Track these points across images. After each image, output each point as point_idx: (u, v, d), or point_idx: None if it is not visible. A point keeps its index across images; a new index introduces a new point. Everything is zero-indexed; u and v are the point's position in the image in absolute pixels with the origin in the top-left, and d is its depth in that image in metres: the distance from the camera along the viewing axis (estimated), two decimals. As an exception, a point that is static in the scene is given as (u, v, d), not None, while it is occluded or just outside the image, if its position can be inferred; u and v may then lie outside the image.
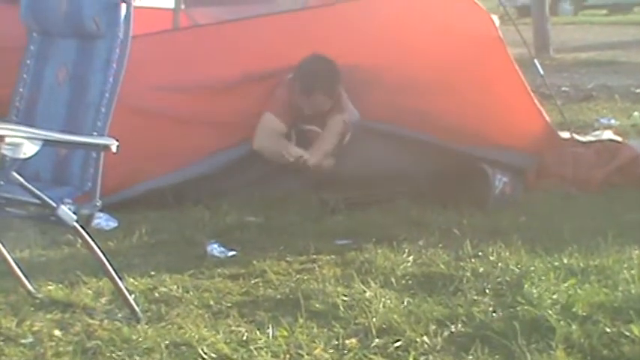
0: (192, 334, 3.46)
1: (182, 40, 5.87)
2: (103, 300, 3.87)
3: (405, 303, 3.77)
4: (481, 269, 4.15)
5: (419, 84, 5.80)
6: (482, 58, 5.97)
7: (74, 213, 3.47)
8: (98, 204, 3.64)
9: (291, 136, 5.66)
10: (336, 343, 3.42)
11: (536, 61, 6.79)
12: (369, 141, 5.67)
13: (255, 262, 4.36)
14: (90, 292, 3.95)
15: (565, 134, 6.42)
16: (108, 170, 3.64)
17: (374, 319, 3.57)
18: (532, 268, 4.10)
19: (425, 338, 3.42)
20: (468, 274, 4.10)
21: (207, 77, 5.59)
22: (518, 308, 3.64)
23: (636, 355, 3.21)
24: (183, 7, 6.52)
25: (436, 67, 5.83)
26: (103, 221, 4.96)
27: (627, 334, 3.36)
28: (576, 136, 6.49)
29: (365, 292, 3.88)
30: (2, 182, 3.29)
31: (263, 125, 5.57)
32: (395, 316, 3.59)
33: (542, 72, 6.70)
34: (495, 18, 6.18)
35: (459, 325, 3.54)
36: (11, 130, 3.28)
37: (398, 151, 5.66)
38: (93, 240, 3.56)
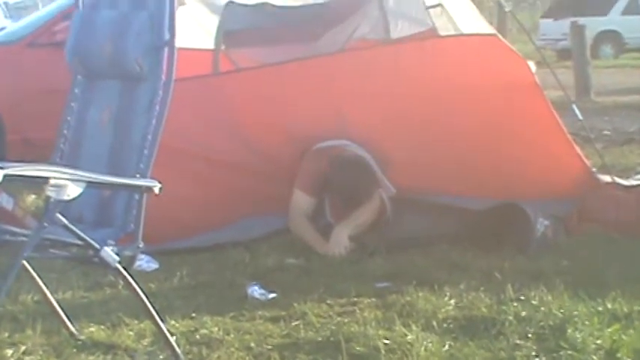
0: (234, 377, 3.47)
1: (222, 84, 5.90)
2: (145, 342, 3.89)
3: (447, 347, 3.76)
4: (523, 313, 4.13)
5: (454, 138, 5.82)
6: (518, 106, 5.99)
7: (117, 254, 3.48)
8: (140, 246, 3.66)
9: (324, 206, 5.61)
10: (378, 386, 3.42)
11: (574, 105, 6.78)
12: (408, 214, 5.62)
13: (295, 304, 4.36)
14: (132, 333, 3.97)
15: (606, 178, 6.40)
16: (148, 218, 3.67)
17: (415, 363, 3.57)
18: (575, 313, 4.07)
19: (467, 382, 3.41)
20: (510, 317, 4.08)
21: (245, 124, 5.63)
22: (561, 353, 3.63)
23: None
24: (223, 47, 6.55)
25: (471, 119, 5.85)
26: (145, 263, 4.98)
27: (673, 380, 3.34)
28: (618, 180, 6.46)
29: (406, 335, 3.87)
30: (46, 224, 3.31)
31: (293, 204, 5.53)
32: (437, 360, 3.59)
33: (580, 116, 6.68)
34: (532, 64, 6.20)
35: (502, 370, 3.53)
36: (55, 171, 3.31)
37: (438, 219, 5.61)
38: (135, 281, 3.58)
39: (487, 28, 6.60)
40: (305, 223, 5.51)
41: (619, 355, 3.58)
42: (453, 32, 6.30)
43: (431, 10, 6.41)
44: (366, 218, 5.48)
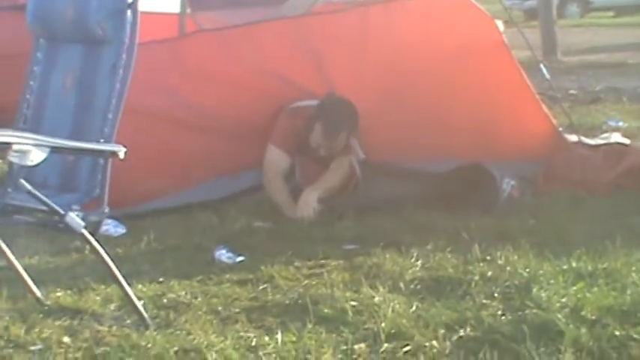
0: (201, 340, 3.46)
1: (187, 47, 5.87)
2: (112, 306, 3.88)
3: (414, 307, 3.77)
4: (489, 273, 4.15)
5: (423, 98, 5.82)
6: (486, 65, 5.99)
7: (82, 220, 3.47)
8: (106, 211, 3.65)
9: (295, 168, 5.55)
10: (345, 348, 3.42)
11: (542, 65, 6.79)
12: (377, 179, 5.58)
13: (263, 267, 4.36)
14: (98, 298, 3.97)
15: (573, 137, 6.43)
16: (113, 183, 3.65)
17: (382, 324, 3.58)
18: (540, 272, 4.10)
19: (434, 343, 3.42)
20: (477, 278, 4.10)
21: (210, 86, 5.60)
22: (526, 312, 3.65)
23: (645, 357, 3.22)
24: (189, 11, 6.51)
25: (440, 78, 5.86)
26: (112, 227, 4.96)
27: (636, 337, 3.36)
28: (584, 139, 6.49)
29: (373, 297, 3.88)
30: (10, 189, 3.30)
31: (268, 162, 5.51)
32: (403, 321, 3.60)
33: (548, 76, 6.70)
34: (500, 23, 6.20)
35: (468, 329, 3.54)
36: (18, 137, 3.29)
37: (405, 183, 5.59)
38: (101, 246, 3.57)
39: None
40: (280, 182, 5.49)
41: (583, 312, 3.59)
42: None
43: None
44: (336, 182, 5.47)
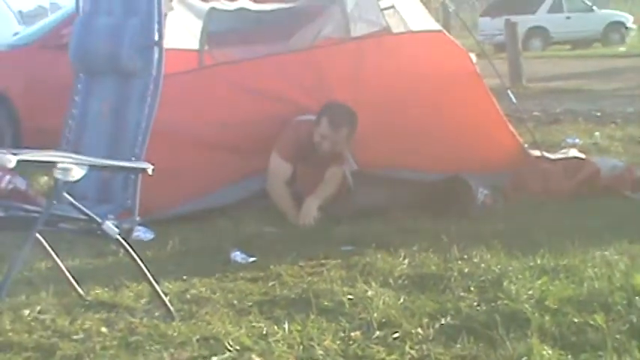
0: (219, 330, 3.46)
1: (205, 77, 5.88)
2: (143, 301, 3.87)
3: (402, 300, 3.77)
4: (466, 270, 4.15)
5: (407, 120, 5.82)
6: (462, 92, 6.01)
7: (117, 227, 3.48)
8: (137, 219, 3.66)
9: (295, 175, 5.50)
10: (343, 335, 3.42)
11: (509, 91, 6.79)
12: (366, 187, 5.55)
13: (272, 266, 4.35)
14: (131, 294, 3.96)
15: (536, 152, 6.42)
16: (146, 193, 3.66)
17: (375, 314, 3.57)
18: (510, 268, 4.09)
19: (419, 330, 3.42)
20: (455, 274, 4.09)
21: (225, 110, 5.61)
22: (498, 303, 3.64)
23: (600, 341, 3.21)
24: (207, 48, 6.52)
25: (422, 103, 5.87)
26: (142, 233, 4.94)
27: (592, 323, 3.36)
28: (546, 154, 6.48)
29: (367, 291, 3.87)
30: (55, 202, 3.30)
31: (272, 170, 5.47)
32: (393, 312, 3.59)
33: (514, 100, 6.70)
34: (473, 55, 6.21)
35: (448, 318, 3.54)
36: (62, 156, 3.30)
37: (392, 190, 5.54)
38: (133, 250, 3.58)
39: (434, 25, 6.60)
40: (283, 189, 5.45)
41: (547, 302, 3.59)
42: (404, 30, 6.28)
43: (385, 12, 6.39)
44: (332, 191, 5.44)
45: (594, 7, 28.34)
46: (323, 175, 5.43)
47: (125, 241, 3.54)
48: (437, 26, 6.64)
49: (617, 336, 3.24)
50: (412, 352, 3.25)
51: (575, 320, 3.40)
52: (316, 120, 5.48)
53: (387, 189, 5.53)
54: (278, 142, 5.51)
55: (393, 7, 6.32)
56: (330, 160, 5.49)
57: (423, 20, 6.49)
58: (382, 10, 6.36)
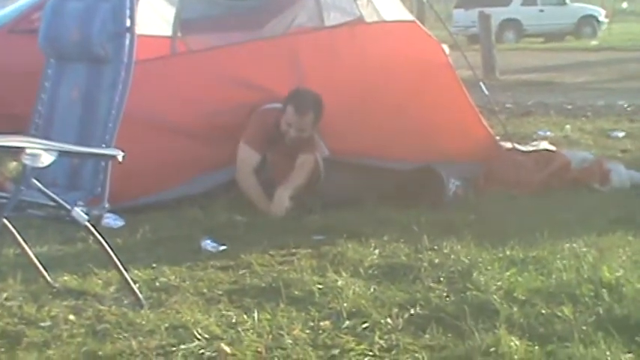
0: (188, 318, 3.44)
1: (178, 65, 5.86)
2: (112, 289, 3.86)
3: (372, 290, 3.77)
4: (436, 260, 4.16)
5: (379, 109, 5.82)
6: (434, 82, 6.01)
7: (86, 214, 3.47)
8: (106, 206, 3.64)
9: (264, 164, 5.48)
10: (312, 324, 3.42)
11: (481, 83, 6.82)
12: (338, 174, 5.56)
13: (242, 255, 4.34)
14: (100, 282, 3.94)
15: (508, 144, 6.45)
16: (114, 181, 3.64)
17: (345, 304, 3.57)
18: (480, 259, 4.11)
19: (388, 320, 3.42)
20: (426, 264, 4.10)
21: (198, 98, 5.58)
22: (468, 293, 3.65)
23: (567, 332, 3.23)
24: (179, 35, 6.49)
25: (394, 93, 5.87)
26: (111, 221, 4.93)
27: (559, 314, 3.39)
28: (517, 146, 6.52)
29: (337, 280, 3.87)
30: (24, 188, 3.27)
31: (240, 159, 5.43)
32: (363, 301, 3.60)
33: (486, 92, 6.72)
34: (445, 47, 6.22)
35: (418, 309, 3.54)
36: (31, 142, 3.28)
37: (363, 178, 5.58)
38: (102, 237, 3.56)
39: (408, 16, 6.60)
40: (252, 179, 5.41)
41: (515, 294, 3.61)
42: (377, 20, 6.28)
43: (358, 2, 6.39)
44: (303, 180, 5.41)
45: (567, 1, 28.55)
46: (294, 162, 5.41)
47: (94, 228, 3.53)
48: (410, 17, 6.65)
49: (584, 327, 3.26)
50: (381, 341, 3.25)
51: (543, 312, 3.42)
52: (282, 108, 5.46)
53: (359, 177, 5.54)
54: (246, 130, 5.48)
55: (366, -4, 6.33)
56: (301, 146, 5.47)
57: (397, 11, 6.49)
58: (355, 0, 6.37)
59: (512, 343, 3.14)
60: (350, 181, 5.52)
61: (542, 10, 27.78)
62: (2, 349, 3.24)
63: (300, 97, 5.45)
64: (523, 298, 3.58)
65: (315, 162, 5.48)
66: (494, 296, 3.57)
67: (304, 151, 5.45)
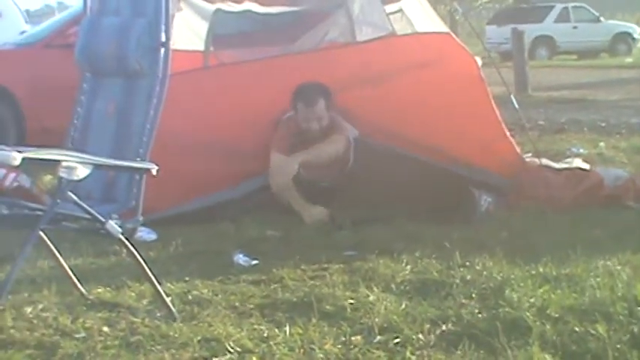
0: (220, 331, 3.46)
1: (210, 78, 5.90)
2: (145, 301, 3.88)
3: (403, 305, 3.77)
4: (468, 277, 4.15)
5: (410, 114, 5.81)
6: (464, 94, 5.98)
7: (120, 227, 3.50)
8: (140, 219, 3.68)
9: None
10: (344, 339, 3.42)
11: (512, 97, 6.78)
12: (372, 161, 5.60)
13: (274, 269, 4.35)
14: (133, 294, 3.97)
15: (538, 161, 6.42)
16: (149, 191, 3.67)
17: (376, 319, 3.58)
18: (512, 276, 4.09)
19: (420, 336, 3.42)
20: (457, 280, 4.09)
21: (230, 110, 5.62)
22: (500, 310, 3.64)
23: (600, 350, 3.21)
24: (212, 49, 6.54)
25: (425, 102, 5.85)
26: (145, 234, 4.95)
27: (593, 332, 3.36)
28: (549, 163, 6.48)
29: (369, 296, 3.88)
30: (59, 200, 3.31)
31: (275, 167, 5.48)
32: (394, 317, 3.59)
33: (517, 106, 6.69)
34: (478, 59, 6.20)
35: (449, 325, 3.54)
36: (67, 155, 3.32)
37: (398, 170, 5.57)
38: (136, 250, 3.59)
39: (442, 28, 6.59)
40: (291, 189, 5.45)
41: (548, 311, 3.59)
42: (410, 32, 6.29)
43: (391, 16, 6.40)
44: (325, 153, 5.50)
45: (601, 18, 28.38)
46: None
47: (128, 241, 3.56)
48: (445, 29, 6.64)
49: (618, 346, 3.23)
50: (413, 357, 3.25)
51: (577, 329, 3.40)
52: (293, 109, 5.55)
53: (388, 163, 5.54)
54: (274, 141, 5.55)
55: (400, 10, 6.34)
56: (327, 134, 5.56)
57: (431, 23, 6.49)
58: (389, 14, 6.38)
59: (544, 361, 3.13)
60: (378, 164, 5.53)
61: (575, 27, 27.64)
62: (38, 360, 3.28)
63: (305, 91, 5.54)
64: (556, 315, 3.56)
65: (346, 141, 5.53)
66: (527, 313, 3.55)
67: (334, 133, 5.54)
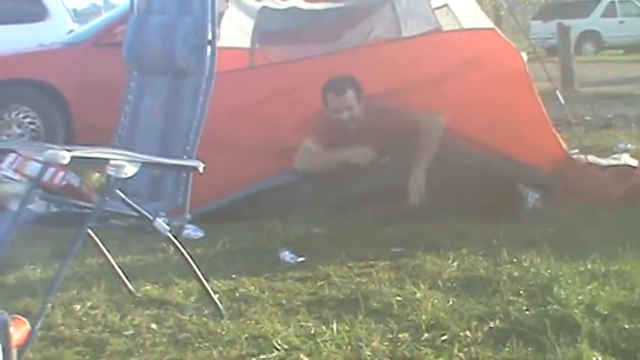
0: (268, 329, 3.47)
1: (257, 77, 5.91)
2: (192, 299, 3.90)
3: (450, 302, 3.75)
4: (516, 273, 4.11)
5: (455, 111, 5.76)
6: (509, 90, 5.92)
7: (167, 224, 3.51)
8: (188, 217, 3.69)
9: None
10: (391, 336, 3.42)
11: (558, 92, 6.72)
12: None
13: (320, 266, 4.36)
14: (181, 291, 3.99)
15: (584, 158, 6.35)
16: (196, 187, 3.68)
17: (423, 316, 3.56)
18: (560, 273, 4.05)
19: (467, 333, 3.40)
20: (505, 277, 4.06)
21: (276, 109, 5.62)
22: (548, 307, 3.61)
23: (651, 348, 3.17)
24: (258, 46, 6.56)
25: (470, 98, 5.80)
26: (192, 231, 4.98)
27: (643, 330, 3.32)
28: (596, 159, 6.41)
29: (415, 292, 3.86)
30: (107, 198, 3.33)
31: (300, 150, 5.52)
32: (441, 314, 3.58)
33: (562, 101, 6.62)
34: (524, 54, 6.15)
35: (497, 322, 3.52)
36: (115, 154, 3.33)
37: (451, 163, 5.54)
38: (183, 247, 3.60)
39: (488, 24, 6.55)
40: (325, 152, 5.48)
41: (597, 308, 3.55)
42: (456, 28, 6.25)
43: (437, 11, 6.37)
44: (435, 146, 5.48)
45: (648, 12, 28.03)
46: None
47: (175, 238, 3.57)
48: (490, 24, 6.59)
49: (669, 343, 3.20)
50: (460, 354, 3.24)
51: (626, 326, 3.36)
52: (324, 102, 5.51)
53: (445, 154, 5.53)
54: (311, 134, 5.55)
55: (446, 5, 6.30)
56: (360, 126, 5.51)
57: (477, 19, 6.45)
58: (434, 9, 6.35)
59: (594, 358, 3.10)
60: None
61: (622, 22, 27.33)
62: (87, 357, 3.31)
63: (333, 82, 5.49)
64: (605, 312, 3.52)
65: (441, 121, 5.52)
66: (576, 310, 3.52)
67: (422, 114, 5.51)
